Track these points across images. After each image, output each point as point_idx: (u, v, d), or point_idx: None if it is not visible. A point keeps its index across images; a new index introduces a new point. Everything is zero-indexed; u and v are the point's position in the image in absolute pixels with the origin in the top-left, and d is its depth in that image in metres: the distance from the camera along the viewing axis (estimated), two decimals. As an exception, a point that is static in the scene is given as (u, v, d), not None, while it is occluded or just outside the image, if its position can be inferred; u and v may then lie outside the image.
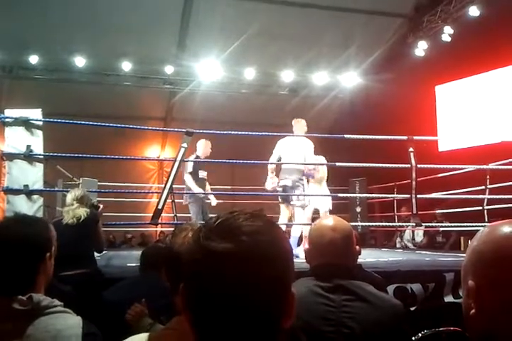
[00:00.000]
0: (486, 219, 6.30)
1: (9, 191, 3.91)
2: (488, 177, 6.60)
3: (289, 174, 5.52)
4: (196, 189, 5.81)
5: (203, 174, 6.09)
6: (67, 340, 1.25)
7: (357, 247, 1.86)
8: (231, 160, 6.45)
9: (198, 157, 6.07)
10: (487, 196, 6.42)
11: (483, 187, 6.59)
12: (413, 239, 8.52)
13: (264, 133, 5.64)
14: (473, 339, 0.80)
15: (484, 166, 6.35)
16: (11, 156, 3.99)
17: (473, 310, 0.78)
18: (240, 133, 5.69)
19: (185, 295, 0.73)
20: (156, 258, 2.83)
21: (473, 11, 8.27)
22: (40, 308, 1.27)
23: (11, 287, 1.29)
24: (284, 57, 9.74)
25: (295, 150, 5.59)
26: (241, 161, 6.13)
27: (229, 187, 9.10)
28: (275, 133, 5.74)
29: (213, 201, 6.43)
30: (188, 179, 5.84)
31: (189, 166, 5.85)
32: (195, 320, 0.72)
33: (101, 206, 4.07)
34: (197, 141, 6.03)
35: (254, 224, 0.73)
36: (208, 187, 6.38)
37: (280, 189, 5.57)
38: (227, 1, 8.59)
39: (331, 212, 5.94)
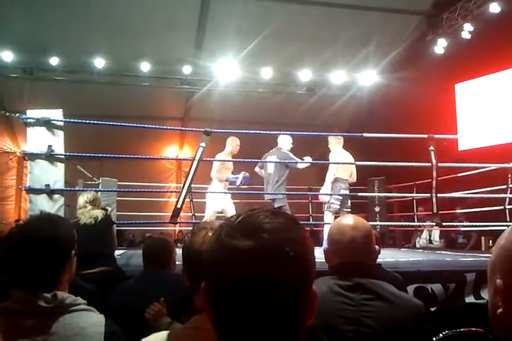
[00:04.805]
0: (508, 219, 6.19)
1: (31, 190, 3.95)
2: (510, 175, 6.49)
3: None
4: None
5: None
6: (91, 338, 1.27)
7: (376, 247, 1.85)
8: (250, 160, 6.44)
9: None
10: (509, 195, 6.31)
11: (505, 186, 6.49)
12: (430, 241, 8.40)
13: (282, 133, 5.63)
14: (500, 339, 0.78)
15: (506, 165, 6.25)
16: (33, 156, 4.03)
17: (500, 310, 0.76)
18: (257, 132, 5.68)
19: (207, 294, 0.73)
20: (162, 253, 2.80)
21: (494, 8, 8.15)
22: (64, 306, 1.29)
23: (37, 284, 1.31)
24: (301, 56, 9.69)
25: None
26: (259, 160, 6.12)
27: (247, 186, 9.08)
28: (293, 133, 5.72)
29: None
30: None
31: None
32: (218, 318, 0.72)
33: (109, 209, 4.15)
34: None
35: (276, 222, 0.73)
36: None
37: None
38: (244, 0, 8.59)
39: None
